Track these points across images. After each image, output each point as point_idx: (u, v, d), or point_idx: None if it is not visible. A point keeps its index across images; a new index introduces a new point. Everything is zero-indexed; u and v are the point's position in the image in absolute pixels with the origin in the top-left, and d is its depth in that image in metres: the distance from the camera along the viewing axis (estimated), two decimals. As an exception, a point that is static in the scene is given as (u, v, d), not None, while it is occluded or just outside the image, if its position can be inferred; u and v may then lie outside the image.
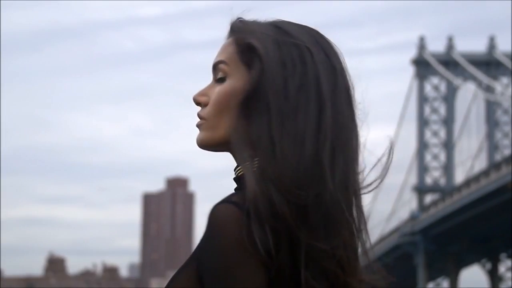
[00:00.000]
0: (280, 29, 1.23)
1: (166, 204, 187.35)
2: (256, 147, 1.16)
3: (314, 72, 1.19)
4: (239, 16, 1.27)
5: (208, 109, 1.24)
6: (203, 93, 1.25)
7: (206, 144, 1.25)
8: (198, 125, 1.26)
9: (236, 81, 1.22)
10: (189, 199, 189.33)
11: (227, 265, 1.12)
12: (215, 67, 1.25)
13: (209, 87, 1.26)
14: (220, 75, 1.24)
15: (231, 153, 1.25)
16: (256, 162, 1.16)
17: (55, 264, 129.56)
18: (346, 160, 1.17)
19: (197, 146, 1.27)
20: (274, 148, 1.15)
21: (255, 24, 1.25)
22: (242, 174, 1.21)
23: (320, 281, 1.14)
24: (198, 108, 1.28)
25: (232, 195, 1.18)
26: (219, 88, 1.23)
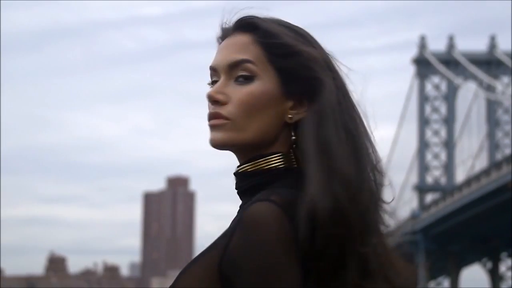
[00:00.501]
0: (296, 31, 1.23)
1: (166, 204, 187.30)
2: (326, 152, 1.17)
3: (340, 77, 1.22)
4: (246, 12, 1.25)
5: (231, 109, 1.20)
6: (220, 91, 1.21)
7: (226, 145, 1.21)
8: (217, 124, 1.20)
9: (264, 83, 1.20)
10: (189, 198, 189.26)
11: (268, 264, 1.10)
12: (236, 65, 1.21)
13: (225, 85, 1.21)
14: (243, 73, 1.21)
15: (237, 152, 1.24)
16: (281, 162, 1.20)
17: (55, 263, 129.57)
18: (378, 162, 1.22)
19: (212, 145, 1.22)
20: (344, 153, 1.17)
21: (275, 23, 1.23)
22: (250, 170, 1.22)
23: (368, 281, 1.16)
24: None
25: (269, 193, 1.16)
26: (248, 89, 1.20)
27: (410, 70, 40.50)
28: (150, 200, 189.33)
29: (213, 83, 1.25)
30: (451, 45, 38.79)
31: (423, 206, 36.66)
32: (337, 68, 1.23)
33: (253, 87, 1.20)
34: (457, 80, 38.33)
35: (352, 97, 1.22)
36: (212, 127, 1.21)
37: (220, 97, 1.21)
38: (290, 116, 1.21)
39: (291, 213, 1.13)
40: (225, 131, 1.20)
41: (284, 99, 1.21)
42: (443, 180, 39.18)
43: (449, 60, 38.32)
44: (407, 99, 41.10)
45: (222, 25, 1.27)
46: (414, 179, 39.75)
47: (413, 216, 34.63)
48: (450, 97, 39.01)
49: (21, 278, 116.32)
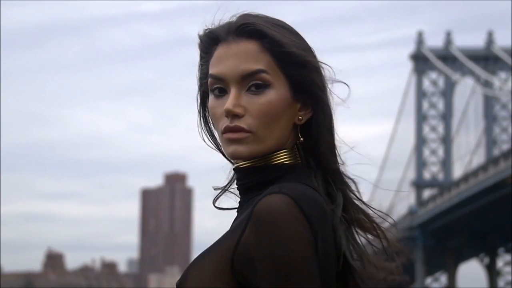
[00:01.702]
0: (296, 34, 1.25)
1: (164, 200, 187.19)
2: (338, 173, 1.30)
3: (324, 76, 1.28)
4: (242, 13, 1.24)
5: (251, 121, 1.20)
6: (237, 103, 1.20)
7: (248, 158, 1.22)
8: (239, 138, 1.20)
9: (278, 90, 1.21)
10: (187, 194, 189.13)
11: (288, 258, 1.11)
12: (250, 76, 1.20)
13: (238, 97, 1.21)
14: (256, 82, 1.21)
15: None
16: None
17: (53, 259, 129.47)
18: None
19: (232, 158, 1.23)
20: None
21: (277, 28, 1.23)
22: (257, 166, 1.23)
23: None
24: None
25: (280, 186, 1.17)
26: (266, 99, 1.20)
27: (408, 66, 40.51)
28: (148, 196, 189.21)
29: (214, 90, 1.23)
30: (448, 41, 38.76)
31: (420, 202, 36.68)
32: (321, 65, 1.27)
33: (270, 96, 1.21)
34: (455, 76, 38.31)
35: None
36: (233, 141, 1.21)
37: (238, 110, 1.20)
38: (300, 117, 1.24)
39: (304, 205, 1.14)
40: (247, 144, 1.21)
41: (293, 102, 1.23)
42: (440, 176, 39.18)
43: (447, 56, 38.29)
44: (404, 95, 41.14)
45: (214, 25, 1.24)
46: (411, 175, 39.75)
47: (411, 212, 34.64)
48: (448, 93, 39.00)
49: (19, 274, 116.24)
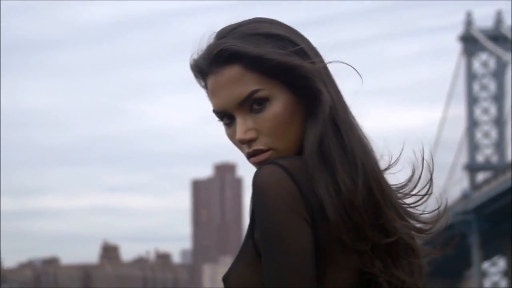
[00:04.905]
0: (272, 35, 1.24)
1: (215, 190, 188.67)
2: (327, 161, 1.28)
3: (331, 79, 1.28)
4: (216, 37, 1.26)
5: (267, 140, 1.23)
6: (246, 129, 1.23)
7: None
8: (264, 159, 1.23)
9: (279, 99, 1.23)
10: (237, 184, 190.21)
11: (273, 225, 1.16)
12: (246, 99, 1.23)
13: (245, 121, 1.23)
14: (257, 101, 1.23)
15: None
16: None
17: (109, 251, 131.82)
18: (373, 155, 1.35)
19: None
20: (343, 163, 1.29)
21: (253, 41, 1.23)
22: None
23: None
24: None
25: (279, 158, 1.21)
26: (270, 113, 1.23)
27: (457, 48, 39.78)
28: (199, 187, 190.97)
29: (223, 119, 1.27)
30: (499, 20, 37.97)
31: (474, 186, 36.13)
32: (327, 74, 1.26)
33: (274, 109, 1.23)
34: (506, 56, 37.51)
35: (342, 97, 1.25)
36: (259, 163, 1.24)
37: (250, 135, 1.24)
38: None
39: (297, 175, 1.19)
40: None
41: (299, 100, 1.25)
42: (494, 159, 38.51)
43: (497, 36, 37.53)
44: (454, 78, 40.48)
45: (196, 57, 1.27)
46: (463, 158, 39.17)
47: (465, 196, 34.16)
48: (499, 73, 38.23)
49: (78, 266, 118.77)
